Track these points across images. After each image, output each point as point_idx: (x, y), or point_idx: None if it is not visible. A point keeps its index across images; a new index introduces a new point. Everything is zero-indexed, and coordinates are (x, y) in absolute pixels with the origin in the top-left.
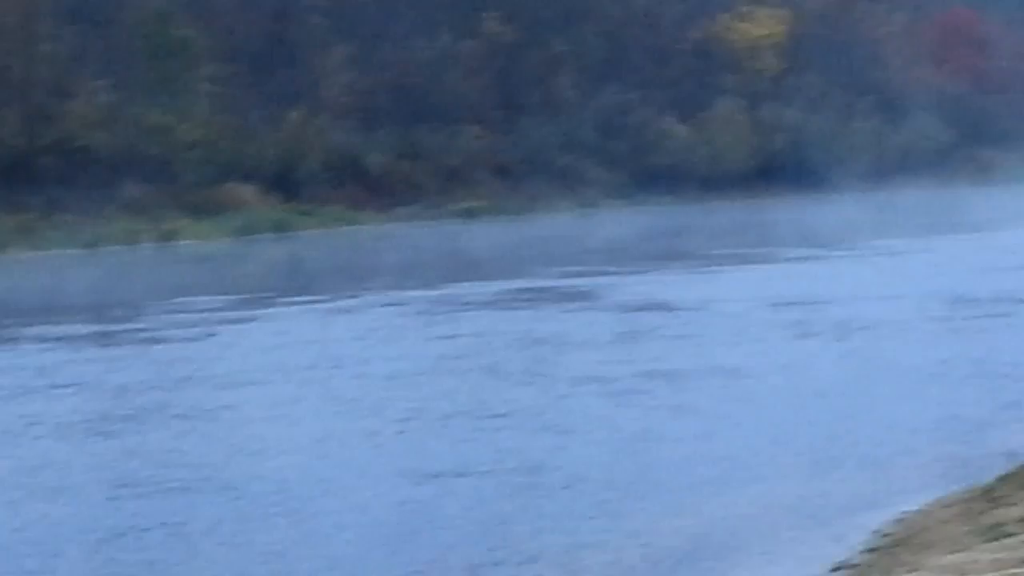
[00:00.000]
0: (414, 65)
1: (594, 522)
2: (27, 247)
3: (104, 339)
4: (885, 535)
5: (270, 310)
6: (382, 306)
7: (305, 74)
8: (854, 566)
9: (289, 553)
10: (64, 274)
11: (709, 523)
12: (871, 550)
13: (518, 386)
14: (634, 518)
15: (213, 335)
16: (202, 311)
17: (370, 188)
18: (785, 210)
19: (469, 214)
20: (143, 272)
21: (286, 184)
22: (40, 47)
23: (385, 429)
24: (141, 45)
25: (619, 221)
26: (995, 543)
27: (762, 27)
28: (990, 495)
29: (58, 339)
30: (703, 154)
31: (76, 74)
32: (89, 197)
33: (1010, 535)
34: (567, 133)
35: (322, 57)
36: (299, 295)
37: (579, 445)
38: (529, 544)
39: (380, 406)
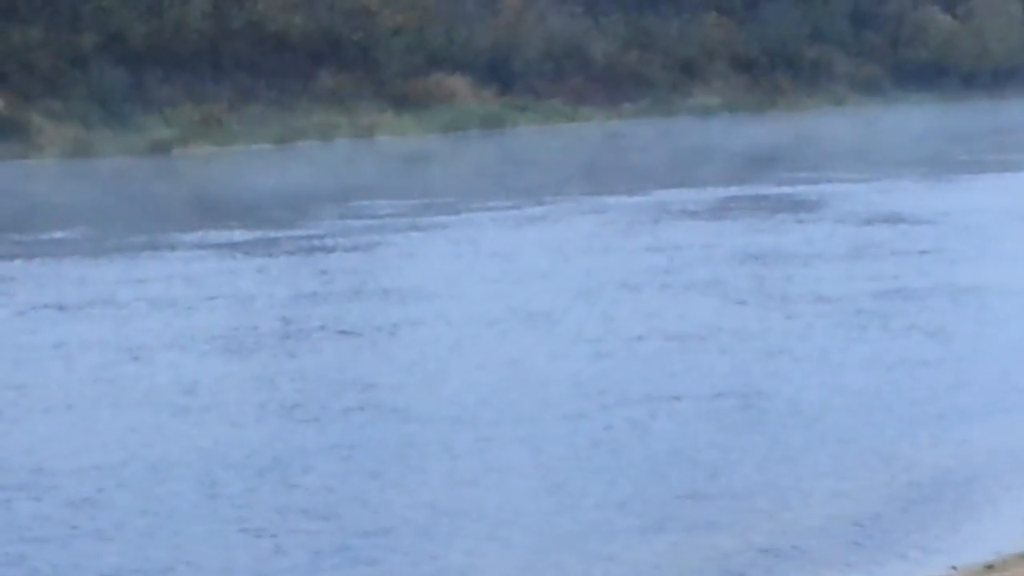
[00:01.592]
0: None
1: (825, 452)
2: (210, 141)
3: (268, 246)
4: None
5: (458, 216)
6: (583, 213)
7: None
8: None
9: (474, 484)
10: (244, 172)
11: (956, 455)
12: None
13: (734, 305)
14: (870, 449)
15: (389, 244)
16: (383, 216)
17: (594, 81)
18: None
19: (703, 111)
20: (330, 171)
21: (500, 76)
22: None
23: (578, 349)
24: None
25: (868, 120)
26: None
27: None
28: None
29: (219, 245)
30: (968, 47)
31: None
32: (280, 87)
33: None
34: (815, 22)
35: None
36: (495, 199)
37: (806, 371)
38: (748, 476)
39: (573, 324)
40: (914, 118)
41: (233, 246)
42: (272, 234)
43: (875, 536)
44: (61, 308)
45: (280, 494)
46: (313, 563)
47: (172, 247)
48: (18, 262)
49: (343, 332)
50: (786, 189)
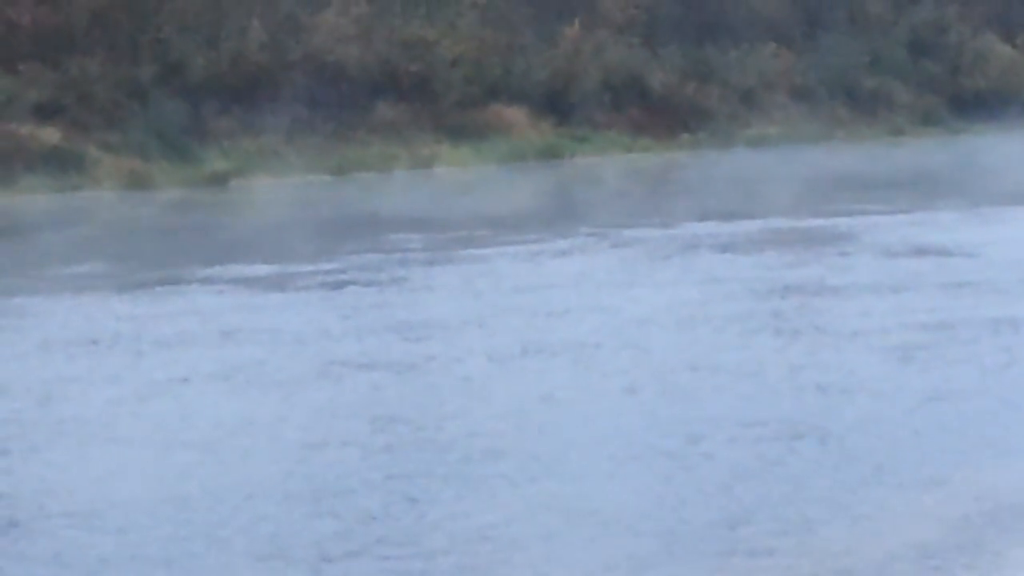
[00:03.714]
0: None
1: (875, 481)
2: (268, 173)
3: (306, 278)
4: None
5: (501, 248)
6: (626, 245)
7: None
8: None
9: (519, 515)
10: (298, 204)
11: (1010, 485)
12: None
13: (767, 338)
14: (921, 479)
15: (407, 279)
16: (425, 248)
17: (652, 112)
18: None
19: (762, 141)
20: (383, 202)
21: (558, 107)
22: None
23: (615, 382)
24: None
25: (924, 150)
26: None
27: None
28: None
29: (237, 281)
30: None
31: None
32: (338, 119)
33: None
34: (874, 52)
35: None
36: (539, 230)
37: (853, 402)
38: (800, 504)
39: (600, 358)
40: (972, 148)
41: (253, 281)
42: (311, 267)
43: (930, 564)
44: (94, 342)
45: (323, 523)
46: None
47: (209, 280)
48: (54, 296)
49: (365, 366)
50: (821, 221)
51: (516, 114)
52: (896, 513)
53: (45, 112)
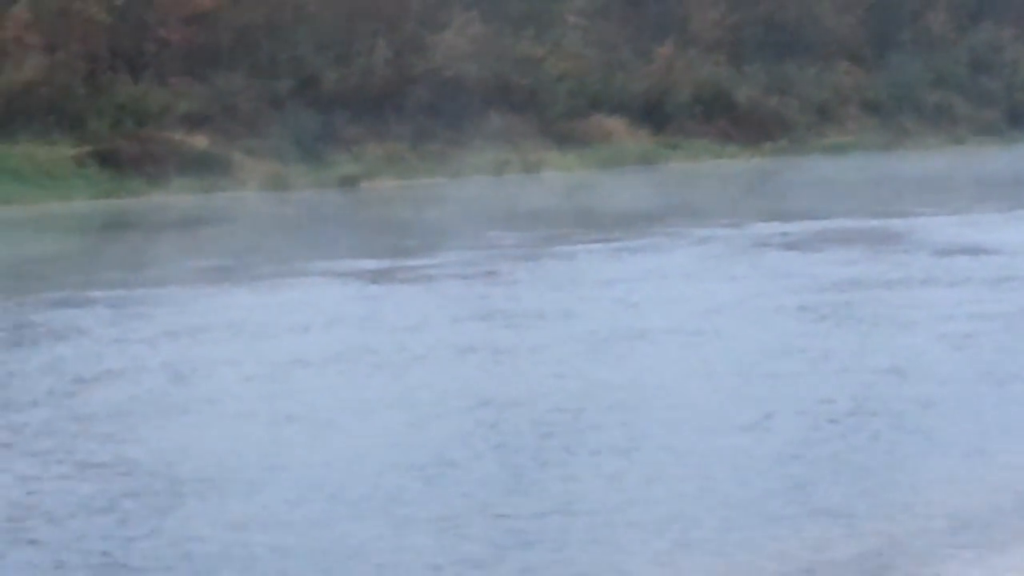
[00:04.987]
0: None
1: (942, 460)
2: (394, 176)
3: (400, 273)
4: None
5: (578, 246)
6: (694, 244)
7: (675, 8)
8: None
9: (603, 492)
10: (420, 203)
11: None
12: None
13: (832, 326)
14: (987, 459)
15: (506, 272)
16: (511, 246)
17: (737, 122)
18: None
19: (836, 149)
20: (485, 202)
21: (653, 117)
22: None
23: (687, 367)
24: None
25: (981, 158)
26: None
27: None
28: None
29: (353, 273)
30: None
31: (447, 6)
32: (457, 127)
33: None
34: (937, 69)
35: None
36: (619, 230)
37: (916, 386)
38: (870, 481)
39: (679, 344)
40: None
41: (384, 272)
42: (418, 261)
43: (995, 522)
44: (219, 328)
45: (438, 488)
46: (498, 548)
47: (328, 273)
48: (187, 286)
49: (467, 350)
50: (895, 221)
51: (616, 124)
52: (959, 481)
53: (194, 121)
